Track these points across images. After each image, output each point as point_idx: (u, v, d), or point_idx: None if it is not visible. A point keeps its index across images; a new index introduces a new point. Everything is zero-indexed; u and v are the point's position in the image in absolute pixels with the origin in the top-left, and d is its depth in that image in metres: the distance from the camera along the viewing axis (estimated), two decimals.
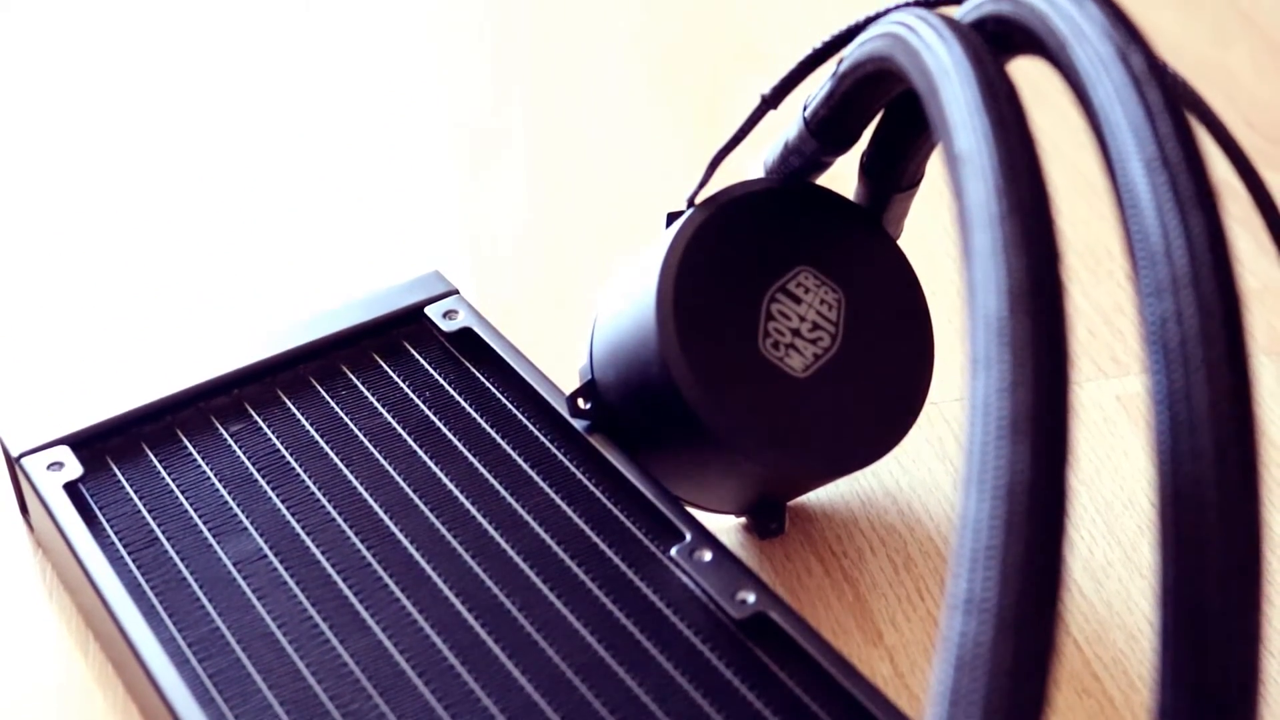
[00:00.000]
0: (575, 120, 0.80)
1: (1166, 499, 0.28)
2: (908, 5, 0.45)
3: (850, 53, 0.45)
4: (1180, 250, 0.29)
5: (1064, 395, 0.29)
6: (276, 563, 0.48)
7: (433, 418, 0.53)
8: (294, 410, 0.54)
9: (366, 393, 0.55)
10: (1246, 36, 0.86)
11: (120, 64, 0.86)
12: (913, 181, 0.51)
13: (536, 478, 0.51)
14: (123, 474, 0.52)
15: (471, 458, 0.52)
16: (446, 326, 0.56)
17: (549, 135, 0.79)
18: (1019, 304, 0.30)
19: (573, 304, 0.65)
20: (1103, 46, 0.34)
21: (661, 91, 0.82)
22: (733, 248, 0.50)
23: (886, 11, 0.45)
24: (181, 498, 0.51)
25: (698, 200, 0.51)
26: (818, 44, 0.48)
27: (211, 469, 0.52)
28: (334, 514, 0.50)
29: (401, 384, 0.55)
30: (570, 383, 0.53)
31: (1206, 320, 0.29)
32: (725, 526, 0.54)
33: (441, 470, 0.51)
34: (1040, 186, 0.32)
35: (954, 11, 0.42)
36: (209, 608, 0.47)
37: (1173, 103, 0.32)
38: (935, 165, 0.43)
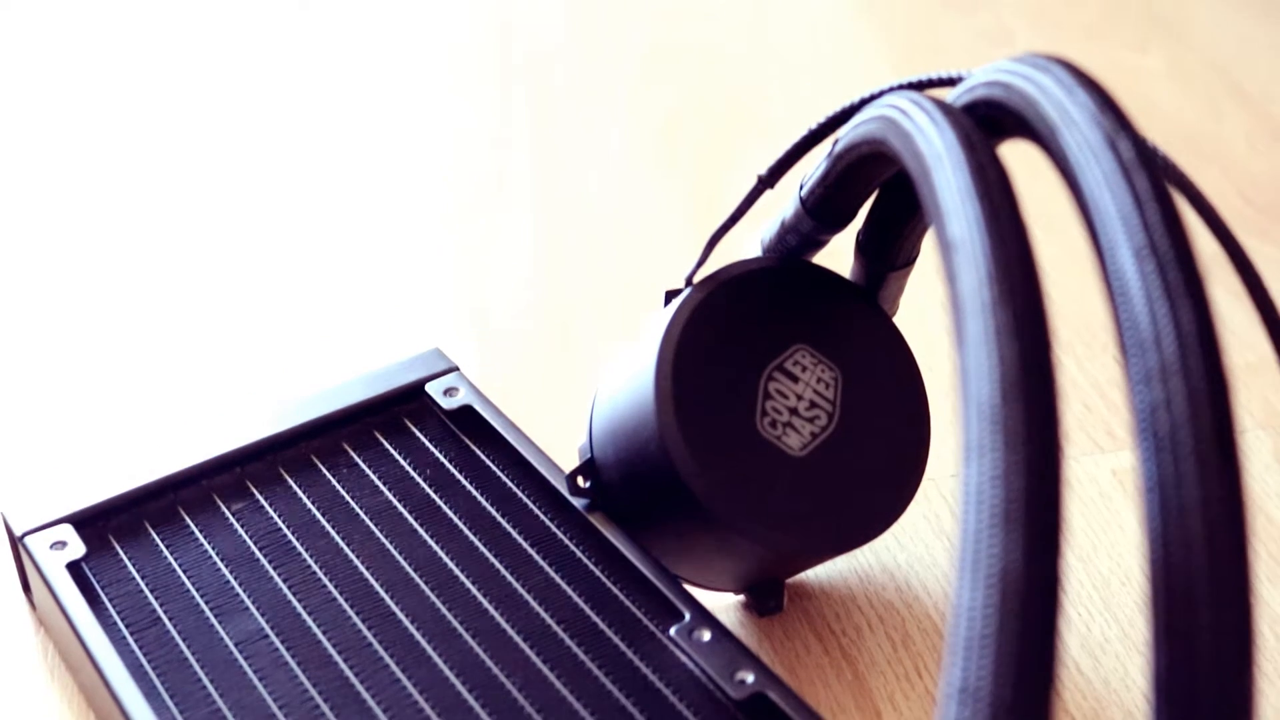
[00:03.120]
0: (576, 195, 0.81)
1: (1158, 587, 0.28)
2: (901, 88, 0.45)
3: (845, 134, 0.46)
4: (1169, 339, 0.30)
5: (1056, 482, 0.29)
6: (278, 642, 0.48)
7: (433, 496, 0.54)
8: (296, 489, 0.54)
9: (368, 470, 0.55)
10: (1240, 110, 0.87)
11: (123, 130, 0.87)
12: (908, 260, 0.52)
13: (536, 556, 0.51)
14: (125, 553, 0.52)
15: (472, 536, 0.52)
16: (447, 404, 0.57)
17: (550, 211, 0.80)
18: (1010, 391, 0.30)
19: (572, 381, 0.65)
20: (1092, 134, 0.34)
21: (662, 162, 0.83)
22: (730, 327, 0.50)
23: (881, 93, 0.45)
24: (184, 577, 0.51)
25: (696, 279, 0.51)
26: (813, 124, 0.49)
27: (214, 548, 0.52)
28: (335, 593, 0.50)
29: (402, 462, 0.55)
30: (570, 460, 0.53)
31: (1195, 408, 0.29)
32: (724, 604, 0.54)
33: (442, 549, 0.51)
34: (1031, 273, 0.33)
35: (946, 94, 0.43)
36: (210, 688, 0.47)
37: (1161, 190, 0.32)
38: (930, 243, 0.44)
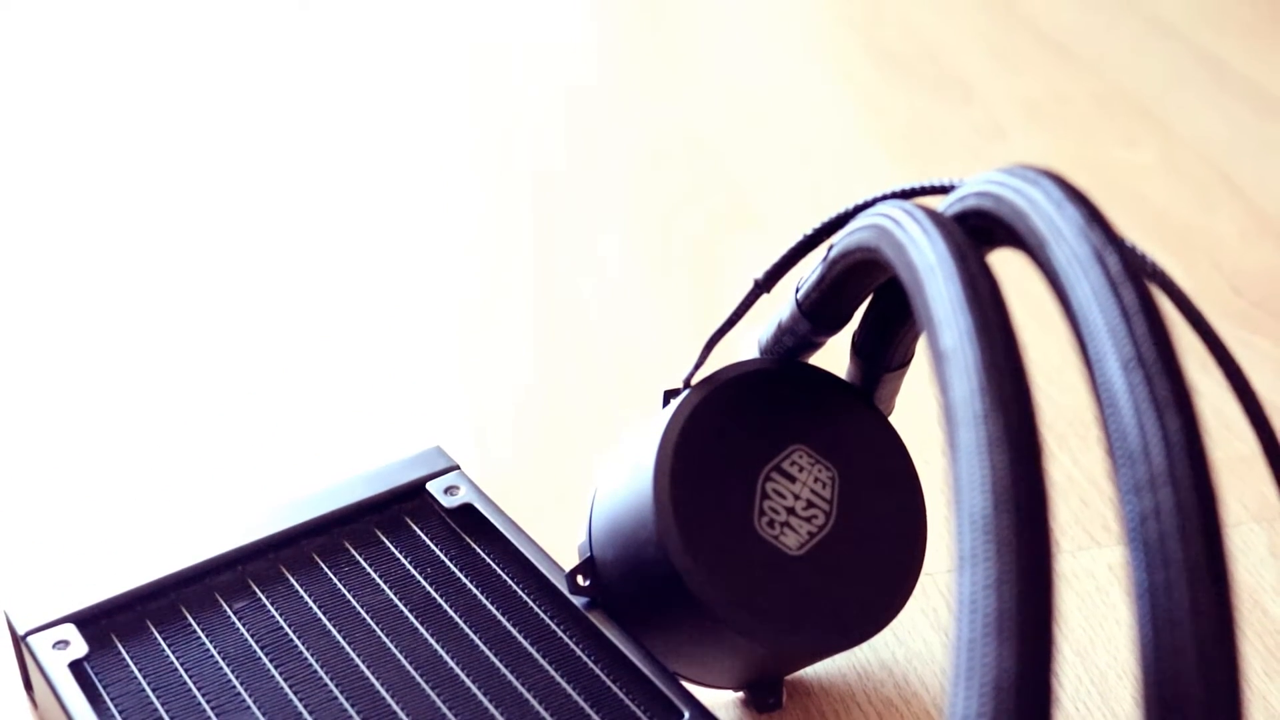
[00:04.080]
0: (576, 295, 0.82)
1: (1150, 695, 0.28)
2: (895, 196, 0.46)
3: (840, 240, 0.47)
4: (1158, 450, 0.30)
5: (1049, 589, 0.30)
6: None
7: (434, 594, 0.54)
8: (297, 587, 0.55)
9: (369, 569, 0.55)
10: (1231, 204, 0.88)
11: (113, 223, 0.88)
12: (903, 361, 0.52)
13: (537, 655, 0.51)
14: (127, 652, 0.52)
15: (473, 635, 0.52)
16: (448, 502, 0.57)
17: (550, 309, 0.80)
18: (1002, 501, 0.31)
19: (573, 479, 0.66)
20: (1080, 247, 0.35)
21: (662, 260, 0.84)
22: (728, 427, 0.51)
23: (874, 201, 0.46)
24: (185, 676, 0.51)
25: (694, 380, 0.52)
26: (809, 230, 0.50)
27: (215, 646, 0.53)
28: (336, 692, 0.50)
29: (403, 560, 0.56)
30: (570, 558, 0.53)
31: (1184, 518, 0.30)
32: (723, 701, 0.54)
33: (443, 647, 0.52)
34: (1021, 383, 0.33)
35: (938, 202, 0.43)
36: None
37: (1148, 302, 0.33)
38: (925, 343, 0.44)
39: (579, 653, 0.51)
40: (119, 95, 0.89)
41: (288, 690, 0.51)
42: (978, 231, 0.40)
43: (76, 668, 0.51)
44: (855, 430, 0.53)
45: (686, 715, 0.48)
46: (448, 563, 0.55)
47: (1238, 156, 0.94)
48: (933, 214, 0.40)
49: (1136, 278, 0.34)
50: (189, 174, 0.94)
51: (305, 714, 0.50)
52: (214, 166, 0.95)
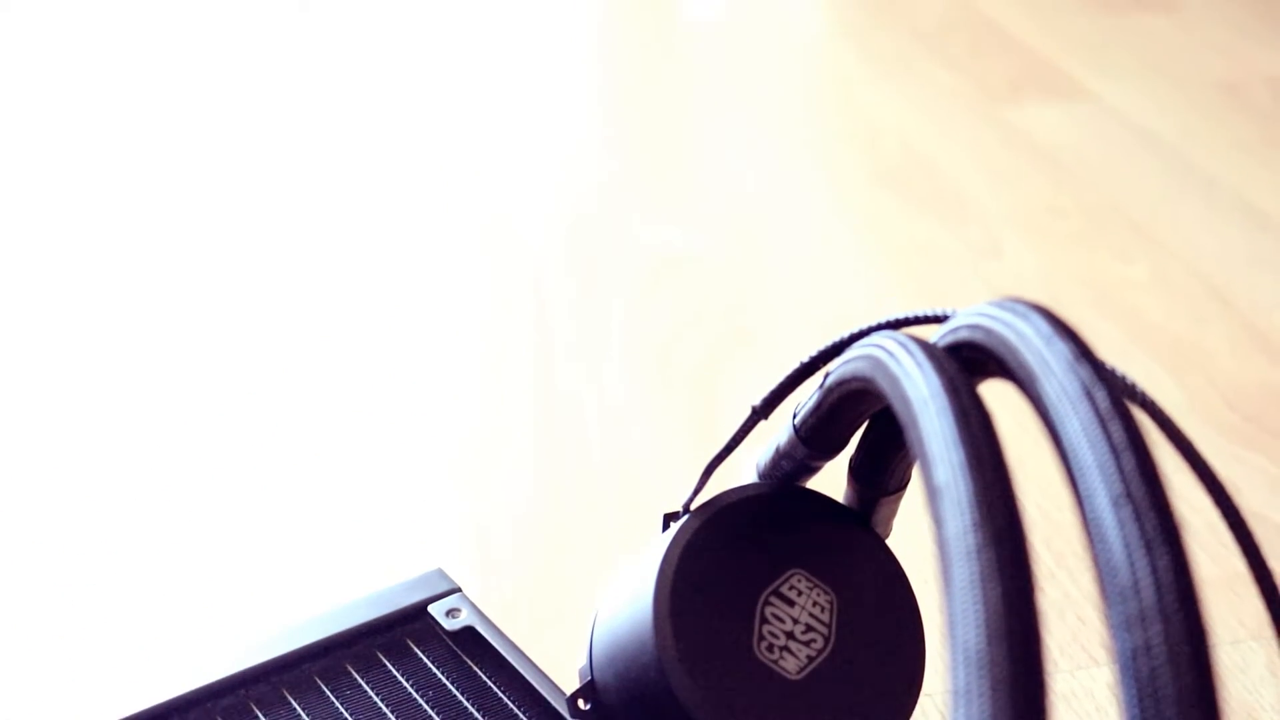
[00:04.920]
0: (577, 415, 0.82)
1: None
2: (889, 325, 0.47)
3: (836, 368, 0.48)
4: (1148, 586, 0.31)
5: None
6: None
7: (436, 718, 0.54)
8: (300, 711, 0.55)
9: (371, 692, 0.56)
10: (1223, 318, 0.89)
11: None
12: (900, 485, 0.53)
13: None
14: None
15: None
16: (449, 625, 0.58)
17: (551, 431, 0.81)
18: (995, 636, 0.31)
19: (573, 601, 0.66)
20: (1069, 383, 0.35)
21: (662, 381, 0.85)
22: (727, 552, 0.51)
23: (870, 330, 0.47)
24: None
25: (693, 505, 0.52)
26: (805, 358, 0.51)
27: None
28: None
29: (405, 684, 0.56)
30: (571, 681, 0.54)
31: (1174, 653, 0.30)
32: None
33: None
34: (1015, 517, 0.34)
35: (931, 332, 0.44)
36: None
37: (1136, 438, 0.34)
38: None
39: None
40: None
41: None
42: (970, 363, 0.41)
43: None
44: (853, 554, 0.53)
45: None
46: (450, 686, 0.56)
47: (1229, 271, 0.95)
48: (926, 346, 0.41)
49: (1125, 414, 0.34)
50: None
51: None
52: (200, 268, 0.96)
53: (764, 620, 0.50)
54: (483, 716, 0.54)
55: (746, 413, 0.53)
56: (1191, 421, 0.80)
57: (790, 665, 0.50)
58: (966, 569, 0.33)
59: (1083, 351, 0.37)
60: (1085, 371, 0.36)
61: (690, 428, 0.80)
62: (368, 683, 0.56)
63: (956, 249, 0.98)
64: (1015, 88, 1.27)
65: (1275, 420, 0.80)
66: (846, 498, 0.54)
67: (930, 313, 0.48)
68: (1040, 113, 1.21)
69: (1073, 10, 1.49)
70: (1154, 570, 0.31)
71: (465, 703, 0.55)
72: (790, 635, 0.51)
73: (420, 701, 0.55)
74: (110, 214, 0.78)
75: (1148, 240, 0.99)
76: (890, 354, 0.41)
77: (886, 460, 0.51)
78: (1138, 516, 0.32)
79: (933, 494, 0.35)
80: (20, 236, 0.76)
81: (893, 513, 0.54)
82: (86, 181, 0.78)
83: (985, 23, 1.44)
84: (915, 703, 0.53)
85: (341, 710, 0.55)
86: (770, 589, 0.51)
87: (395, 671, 0.56)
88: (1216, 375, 0.84)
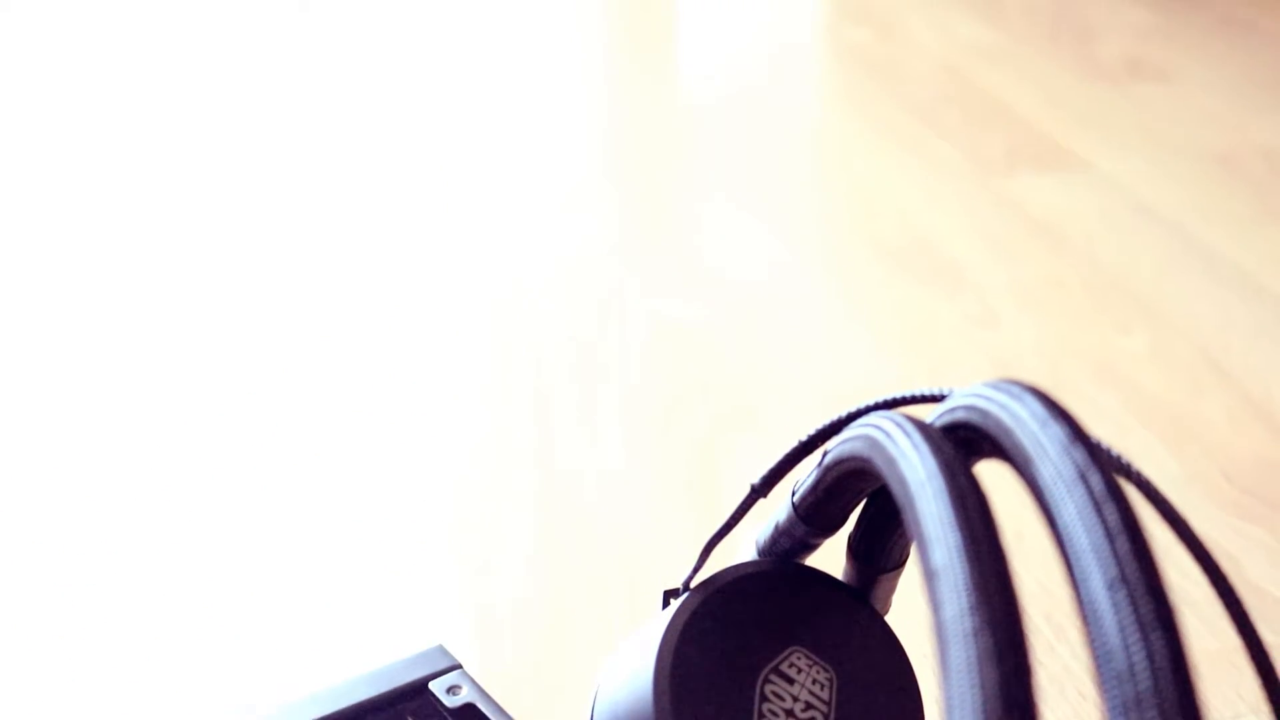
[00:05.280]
0: (577, 491, 0.82)
1: None
2: (886, 405, 0.47)
3: (834, 447, 0.48)
4: (1143, 669, 0.31)
5: None
6: None
7: None
8: None
9: None
10: (1221, 390, 0.90)
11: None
12: (898, 562, 0.53)
13: None
14: None
15: None
16: (450, 702, 0.58)
17: (551, 506, 0.81)
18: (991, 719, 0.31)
19: (574, 677, 0.66)
20: (1064, 467, 0.36)
21: (662, 456, 0.85)
22: (727, 630, 0.51)
23: (867, 409, 0.48)
24: None
25: (693, 583, 0.53)
26: (803, 437, 0.51)
27: None
28: None
29: None
30: None
31: None
32: None
33: None
34: (1011, 600, 0.34)
35: (928, 411, 0.45)
36: None
37: (1131, 522, 0.34)
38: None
39: None
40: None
41: None
42: (966, 443, 0.42)
43: None
44: (853, 631, 0.53)
45: None
46: None
47: (1227, 342, 0.95)
48: (922, 427, 0.41)
49: (1119, 497, 0.35)
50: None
51: None
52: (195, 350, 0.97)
53: (764, 698, 0.50)
54: None
55: (746, 490, 0.53)
56: (1190, 494, 0.80)
57: None
58: (964, 652, 0.33)
59: (1077, 434, 0.37)
60: (1080, 455, 0.36)
61: (690, 501, 0.80)
62: None
63: (954, 320, 0.98)
64: (1011, 159, 1.28)
65: (1274, 493, 0.80)
66: (846, 574, 0.54)
67: (927, 392, 0.48)
68: (1036, 183, 1.22)
69: (1067, 80, 1.50)
70: (1150, 654, 0.31)
71: None
72: (790, 713, 0.51)
73: None
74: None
75: (1145, 311, 0.99)
76: (887, 434, 0.42)
77: (885, 538, 0.52)
78: (1133, 600, 0.32)
79: (930, 576, 0.36)
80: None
81: (892, 589, 0.55)
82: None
83: (979, 94, 1.46)
84: None
85: None
86: (770, 666, 0.51)
87: None
88: (1215, 447, 0.84)
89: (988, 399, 0.41)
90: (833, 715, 0.51)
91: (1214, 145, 1.32)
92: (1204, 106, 1.43)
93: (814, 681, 0.51)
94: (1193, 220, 1.15)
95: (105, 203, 0.82)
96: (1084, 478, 0.36)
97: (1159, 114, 1.40)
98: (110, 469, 0.85)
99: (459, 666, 0.59)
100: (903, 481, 0.39)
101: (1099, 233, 1.12)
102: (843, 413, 0.49)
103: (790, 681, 0.51)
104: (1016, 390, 0.40)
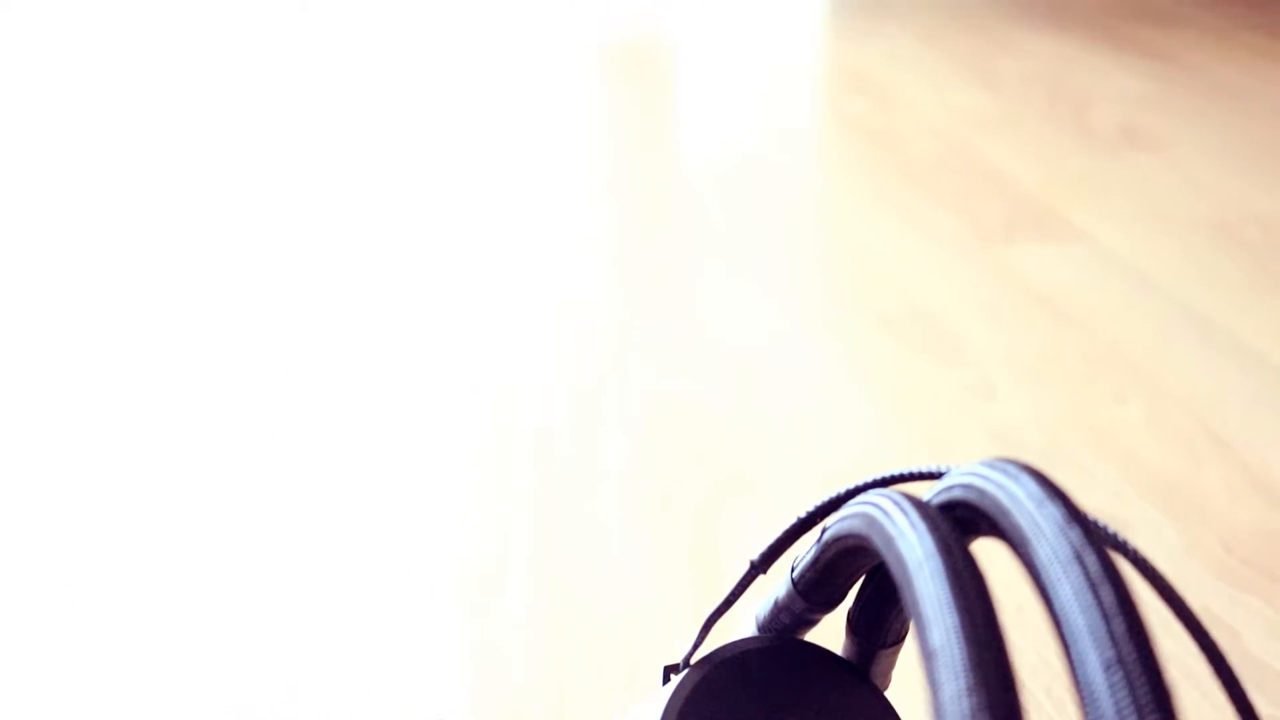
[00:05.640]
0: (577, 569, 0.82)
1: None
2: (885, 482, 0.48)
3: (832, 524, 0.48)
4: None
5: None
6: None
7: None
8: None
9: None
10: (1219, 460, 0.90)
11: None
12: (898, 638, 0.53)
13: None
14: None
15: None
16: None
17: (551, 585, 0.81)
18: None
19: None
20: (1060, 547, 0.36)
21: (661, 532, 0.85)
22: (727, 706, 0.52)
23: (866, 486, 0.48)
24: None
25: (693, 659, 0.53)
26: (801, 514, 0.51)
27: None
28: None
29: None
30: None
31: None
32: None
33: None
34: (1009, 680, 0.35)
35: (924, 488, 0.45)
36: None
37: (1126, 601, 0.35)
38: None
39: None
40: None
41: None
42: (962, 522, 0.42)
43: None
44: (852, 706, 0.53)
45: None
46: None
47: (1224, 412, 0.96)
48: (920, 505, 0.42)
49: (1115, 577, 0.35)
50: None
51: None
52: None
53: None
54: None
55: (745, 565, 0.53)
56: (1189, 564, 0.80)
57: None
58: None
59: (1073, 514, 0.38)
60: (1075, 535, 0.37)
61: (690, 574, 0.80)
62: None
63: (953, 391, 0.99)
64: (1009, 228, 1.29)
65: (1273, 564, 0.80)
66: (845, 650, 0.55)
67: (924, 470, 0.49)
68: (1034, 253, 1.23)
69: (1063, 150, 1.51)
70: None
71: None
72: None
73: None
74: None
75: (1143, 381, 1.00)
76: (885, 513, 0.42)
77: (883, 614, 0.52)
78: (1129, 681, 0.33)
79: (928, 657, 0.36)
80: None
81: (891, 665, 0.55)
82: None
83: (978, 162, 1.47)
84: None
85: None
86: None
87: None
88: (1213, 518, 0.84)
89: (984, 478, 0.41)
90: None
91: (1210, 214, 1.33)
92: (1200, 175, 1.44)
93: None
94: (1189, 289, 1.15)
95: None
96: (1080, 558, 0.36)
97: (1155, 182, 1.41)
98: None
99: None
100: (900, 561, 0.40)
101: (1096, 302, 1.13)
102: (841, 489, 0.50)
103: None
104: (1013, 470, 0.41)
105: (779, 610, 0.53)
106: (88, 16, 0.95)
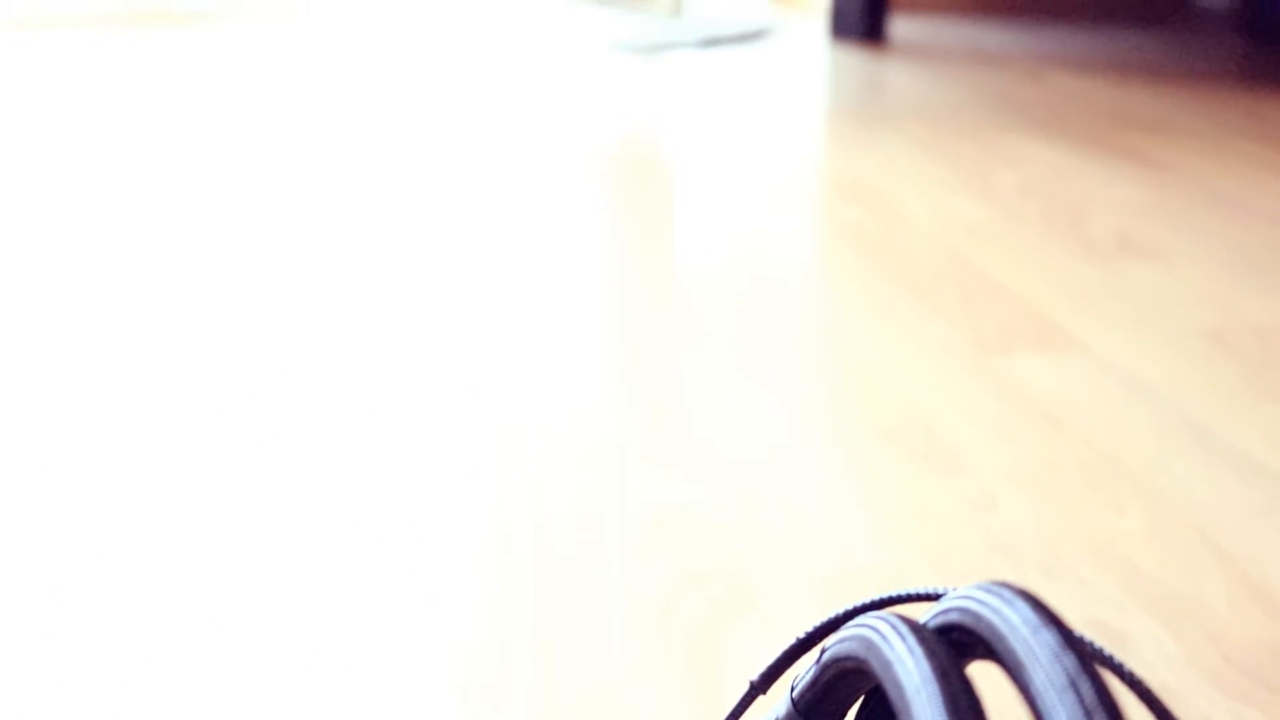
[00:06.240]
0: (575, 677, 0.83)
1: None
2: (883, 603, 0.48)
3: (831, 645, 0.49)
4: None
5: None
6: None
7: None
8: None
9: None
10: (1219, 571, 0.90)
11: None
12: None
13: None
14: None
15: None
16: None
17: (548, 690, 0.81)
18: None
19: None
20: (1055, 674, 0.37)
21: (659, 636, 0.85)
22: None
23: (865, 607, 0.49)
24: None
25: None
26: (801, 634, 0.52)
27: None
28: None
29: None
30: None
31: None
32: None
33: None
34: None
35: (922, 611, 0.46)
36: None
37: None
38: None
39: None
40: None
41: None
42: (959, 644, 0.42)
43: None
44: None
45: None
46: None
47: (1224, 523, 0.96)
48: (917, 629, 0.42)
49: (1110, 704, 0.36)
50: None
51: None
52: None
53: None
54: None
55: (745, 684, 0.54)
56: (1188, 677, 0.80)
57: None
58: None
59: (1067, 641, 0.38)
60: (1070, 662, 0.37)
61: (690, 691, 0.80)
62: None
63: (953, 503, 0.99)
64: (1007, 338, 1.30)
65: (1273, 675, 0.80)
66: None
67: (922, 591, 0.49)
68: (1032, 363, 1.24)
69: (1060, 258, 1.53)
70: None
71: None
72: None
73: None
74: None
75: (1142, 491, 1.00)
76: (883, 636, 0.43)
77: None
78: None
79: None
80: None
81: None
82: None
83: (975, 272, 1.48)
84: None
85: None
86: None
87: None
88: (1214, 629, 0.85)
89: (980, 602, 0.42)
90: None
91: (1206, 322, 1.34)
92: (1195, 283, 1.45)
93: None
94: (1187, 398, 1.16)
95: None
96: (1075, 685, 0.37)
97: (1152, 291, 1.42)
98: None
99: None
100: (899, 686, 0.40)
101: (1094, 411, 1.14)
102: (840, 610, 0.50)
103: None
104: (1008, 595, 0.41)
105: None
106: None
